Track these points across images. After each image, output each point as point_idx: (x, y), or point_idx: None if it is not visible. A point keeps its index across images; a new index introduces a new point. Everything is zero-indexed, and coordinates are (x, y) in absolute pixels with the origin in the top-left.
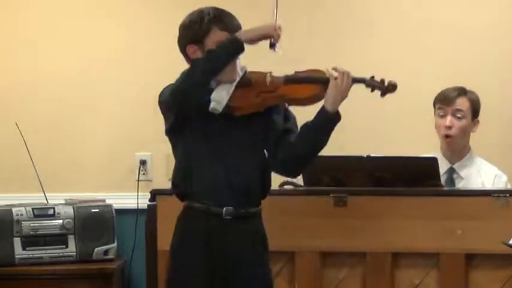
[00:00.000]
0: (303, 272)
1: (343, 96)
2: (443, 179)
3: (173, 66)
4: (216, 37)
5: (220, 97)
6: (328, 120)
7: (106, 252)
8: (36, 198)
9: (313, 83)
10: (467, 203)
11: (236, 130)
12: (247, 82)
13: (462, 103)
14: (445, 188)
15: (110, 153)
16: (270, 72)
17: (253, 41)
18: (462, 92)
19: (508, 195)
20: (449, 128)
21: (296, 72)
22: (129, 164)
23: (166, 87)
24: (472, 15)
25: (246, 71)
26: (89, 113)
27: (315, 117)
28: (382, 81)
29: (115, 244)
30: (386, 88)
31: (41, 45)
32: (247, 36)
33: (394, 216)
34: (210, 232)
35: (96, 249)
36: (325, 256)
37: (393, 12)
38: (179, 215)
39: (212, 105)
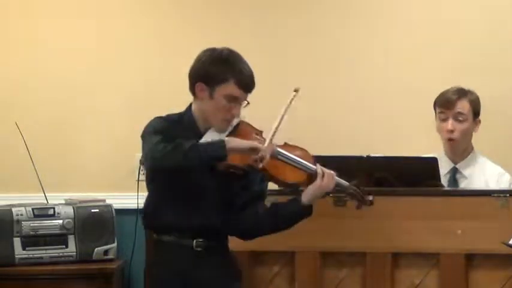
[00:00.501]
0: (303, 272)
1: (322, 195)
2: (446, 179)
3: (173, 66)
4: (229, 90)
5: None
6: (300, 213)
7: (106, 252)
8: (36, 198)
9: (298, 169)
10: (467, 203)
11: (213, 179)
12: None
13: (463, 106)
14: (445, 188)
15: (110, 153)
16: (261, 132)
17: (239, 152)
18: (462, 94)
19: (508, 195)
20: (452, 131)
21: (285, 146)
22: (129, 164)
23: (151, 121)
24: (472, 14)
25: (240, 121)
26: (89, 113)
27: (288, 205)
28: (364, 191)
29: (115, 244)
30: (365, 202)
31: (41, 45)
32: (234, 146)
33: (394, 216)
34: (183, 265)
35: (96, 249)
36: (325, 256)
37: (394, 12)
38: (153, 249)
39: None
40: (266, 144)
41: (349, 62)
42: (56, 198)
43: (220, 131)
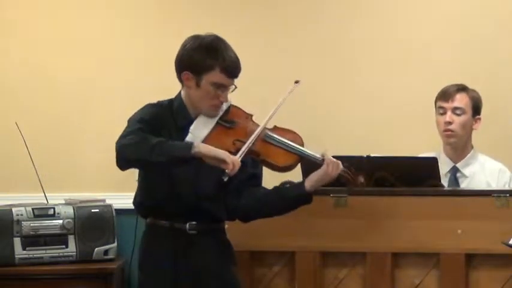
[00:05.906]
0: (303, 272)
1: (326, 183)
2: (446, 179)
3: (173, 66)
4: (215, 78)
5: (198, 133)
6: (303, 199)
7: (106, 252)
8: (36, 198)
9: (288, 152)
10: (467, 203)
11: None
12: (229, 123)
13: (461, 99)
14: (445, 188)
15: (110, 153)
16: (251, 116)
17: (206, 158)
18: (462, 88)
19: (508, 195)
20: (449, 123)
21: (275, 128)
22: None
23: (142, 108)
24: (473, 13)
25: (230, 105)
26: (89, 113)
27: (292, 190)
28: (355, 173)
29: (115, 244)
30: (356, 185)
31: (41, 45)
32: (203, 151)
33: (394, 216)
34: (176, 248)
35: (96, 249)
36: (325, 256)
37: (396, 11)
38: (144, 233)
39: (189, 137)
40: (238, 156)
41: (349, 62)
42: (56, 198)
43: (210, 116)
